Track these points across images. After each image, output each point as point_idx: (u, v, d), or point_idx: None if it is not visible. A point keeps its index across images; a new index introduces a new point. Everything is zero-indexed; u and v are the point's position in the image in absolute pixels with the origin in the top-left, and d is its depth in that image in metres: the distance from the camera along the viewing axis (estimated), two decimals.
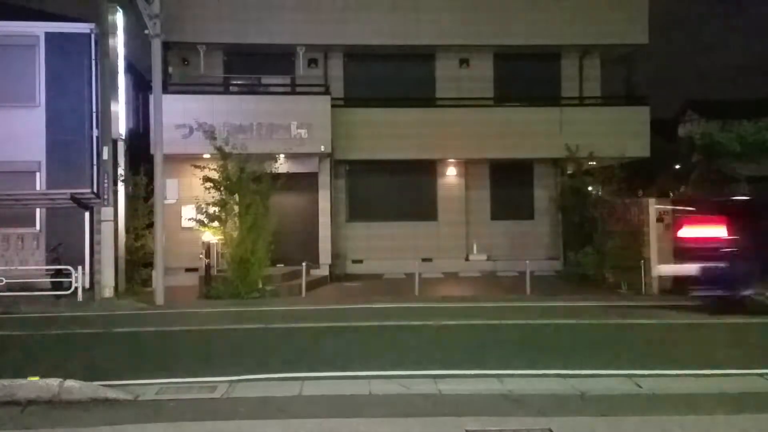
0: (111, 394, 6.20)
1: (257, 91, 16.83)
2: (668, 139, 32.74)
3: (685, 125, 41.96)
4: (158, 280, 12.82)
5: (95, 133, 13.92)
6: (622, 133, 16.35)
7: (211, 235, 13.72)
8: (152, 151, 13.47)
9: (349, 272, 16.55)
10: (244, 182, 13.24)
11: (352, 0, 16.45)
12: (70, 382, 6.23)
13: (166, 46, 15.16)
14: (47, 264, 13.80)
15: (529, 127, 16.36)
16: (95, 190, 13.46)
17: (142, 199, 15.26)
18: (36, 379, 6.33)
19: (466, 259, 17.11)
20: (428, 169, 17.21)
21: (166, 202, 14.03)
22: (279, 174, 14.12)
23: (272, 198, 13.75)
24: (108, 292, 13.20)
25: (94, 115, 13.92)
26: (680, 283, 11.27)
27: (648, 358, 7.52)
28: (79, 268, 12.94)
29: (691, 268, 9.79)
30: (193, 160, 14.17)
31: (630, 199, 14.32)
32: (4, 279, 12.72)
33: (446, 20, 16.49)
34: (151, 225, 14.31)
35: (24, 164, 13.92)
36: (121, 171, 14.41)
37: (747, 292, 9.15)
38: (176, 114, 14.23)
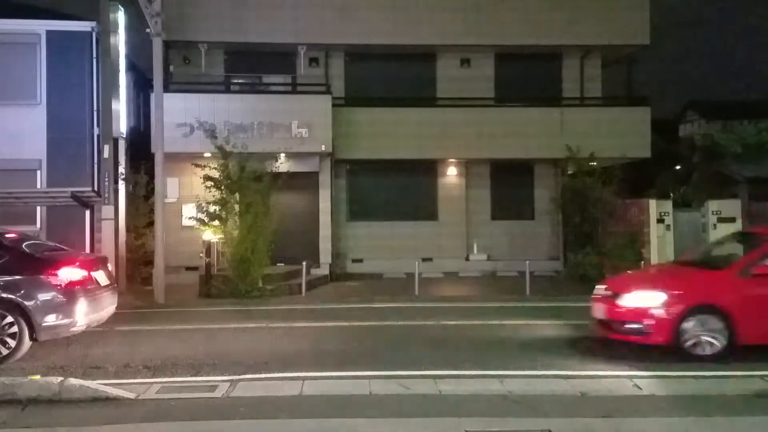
0: (112, 393, 6.21)
1: (258, 90, 16.83)
2: (669, 140, 32.71)
3: (685, 126, 41.99)
4: (159, 278, 12.83)
5: (96, 131, 13.89)
6: (623, 134, 16.32)
7: (211, 234, 13.72)
8: (153, 150, 13.49)
9: (350, 271, 16.54)
10: (245, 181, 13.24)
11: None
12: (70, 381, 6.24)
13: (167, 44, 15.16)
14: None
15: (529, 127, 16.34)
16: (96, 188, 13.45)
17: (143, 197, 15.27)
18: (37, 377, 6.35)
19: (467, 259, 17.10)
20: (429, 168, 17.20)
21: (167, 200, 14.03)
22: (279, 173, 14.12)
23: (273, 197, 13.75)
24: None
25: (95, 113, 13.90)
26: None
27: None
28: None
29: None
30: (193, 158, 14.17)
31: (630, 200, 14.33)
32: None
33: (447, 20, 16.47)
34: (151, 224, 14.31)
35: (25, 162, 13.90)
36: (121, 169, 14.43)
37: None
38: (177, 113, 14.23)
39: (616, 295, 7.99)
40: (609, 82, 18.76)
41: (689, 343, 7.50)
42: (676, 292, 7.75)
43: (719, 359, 7.38)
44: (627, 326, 7.71)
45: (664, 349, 7.57)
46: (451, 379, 6.72)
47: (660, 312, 7.57)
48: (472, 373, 6.91)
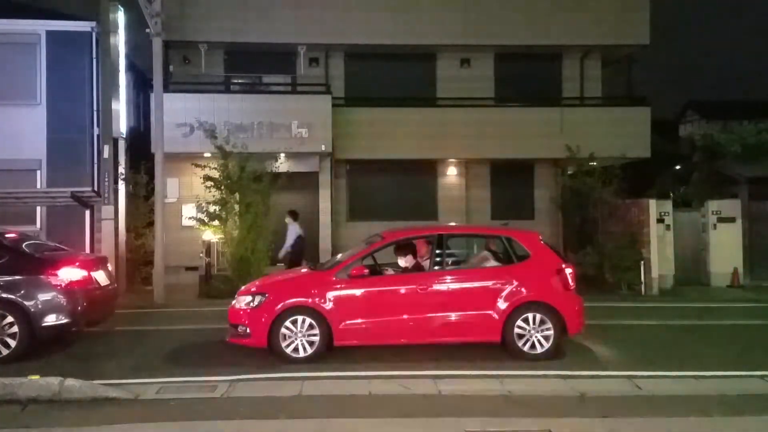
0: (111, 393, 6.21)
1: (258, 90, 16.82)
2: (669, 140, 32.73)
3: (685, 126, 42.01)
4: (158, 278, 12.83)
5: (96, 131, 13.90)
6: (623, 134, 16.32)
7: (211, 234, 13.73)
8: (153, 150, 13.49)
9: None
10: (245, 181, 13.23)
11: None
12: (70, 381, 6.25)
13: (167, 44, 15.15)
14: None
15: (529, 127, 16.33)
16: (96, 188, 13.45)
17: (143, 197, 15.27)
18: (36, 377, 6.35)
19: None
20: (429, 168, 17.20)
21: (167, 200, 14.03)
22: (279, 173, 14.12)
23: (273, 197, 13.76)
24: None
25: (95, 113, 13.91)
26: None
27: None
28: None
29: None
30: (193, 158, 14.17)
31: (630, 200, 14.32)
32: None
33: (447, 20, 16.47)
34: (151, 224, 14.31)
35: (25, 162, 13.91)
36: (121, 170, 14.44)
37: None
38: (177, 113, 14.23)
39: (235, 298, 7.95)
40: (609, 82, 18.75)
41: (287, 344, 7.43)
42: (274, 293, 7.65)
43: (313, 360, 7.36)
44: (238, 329, 7.63)
45: (268, 351, 7.48)
46: (451, 379, 6.72)
47: (258, 314, 7.49)
48: (472, 374, 6.91)
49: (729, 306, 11.92)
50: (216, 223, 13.35)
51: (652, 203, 13.41)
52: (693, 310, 11.30)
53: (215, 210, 13.28)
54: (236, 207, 13.33)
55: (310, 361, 7.35)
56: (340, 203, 16.83)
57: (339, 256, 8.84)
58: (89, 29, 13.97)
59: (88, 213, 13.25)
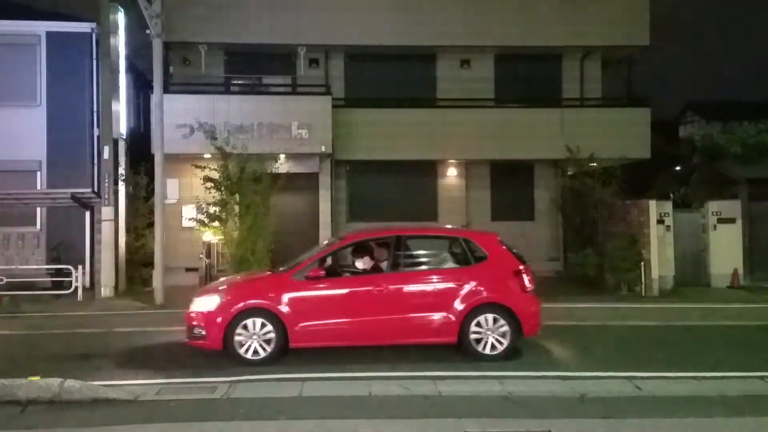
0: (111, 394, 6.22)
1: (258, 91, 16.82)
2: (669, 141, 32.72)
3: (685, 127, 42.00)
4: (158, 279, 12.82)
5: (96, 132, 13.93)
6: (623, 135, 16.31)
7: (211, 235, 13.72)
8: (153, 151, 13.48)
9: None
10: (245, 182, 13.22)
11: (353, 0, 16.45)
12: (70, 382, 6.25)
13: (167, 45, 15.15)
14: (47, 263, 13.80)
15: (529, 128, 16.33)
16: (96, 189, 13.48)
17: (143, 198, 15.27)
18: (37, 378, 6.34)
19: None
20: (429, 169, 17.20)
21: (167, 201, 14.02)
22: (279, 174, 14.10)
23: (272, 198, 13.74)
24: (108, 291, 13.24)
25: (95, 114, 13.94)
26: None
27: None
28: (80, 267, 12.96)
29: None
30: (193, 159, 14.17)
31: (630, 201, 14.32)
32: (4, 278, 12.73)
33: (447, 21, 16.46)
34: (151, 225, 14.31)
35: (25, 163, 13.94)
36: (121, 170, 14.43)
37: None
38: (177, 114, 14.22)
39: (192, 300, 7.95)
40: (609, 83, 18.76)
41: (242, 347, 7.42)
42: (230, 295, 7.66)
43: (268, 363, 7.35)
44: (194, 331, 7.62)
45: (224, 353, 7.47)
46: (451, 380, 6.72)
47: (213, 316, 7.47)
48: (472, 374, 6.91)
49: (729, 307, 11.91)
50: (216, 224, 13.34)
51: (652, 204, 13.40)
52: (693, 311, 11.30)
53: (215, 211, 13.27)
54: (236, 208, 13.31)
55: (265, 364, 7.32)
56: (340, 204, 16.83)
57: (300, 257, 8.80)
58: (89, 30, 14.01)
59: (88, 214, 13.29)
